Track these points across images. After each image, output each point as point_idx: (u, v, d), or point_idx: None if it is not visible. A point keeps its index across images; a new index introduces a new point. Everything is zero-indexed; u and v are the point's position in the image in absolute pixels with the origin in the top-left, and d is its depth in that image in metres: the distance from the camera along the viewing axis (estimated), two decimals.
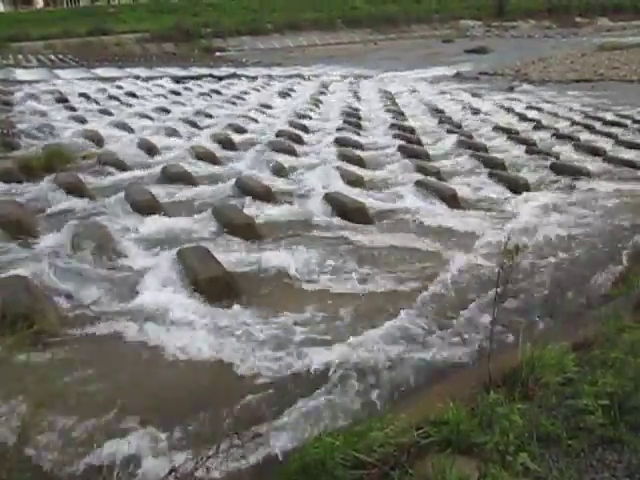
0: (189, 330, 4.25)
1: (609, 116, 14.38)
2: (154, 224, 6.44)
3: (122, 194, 7.29)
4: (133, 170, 8.92)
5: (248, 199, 7.26)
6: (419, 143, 11.22)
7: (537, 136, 11.92)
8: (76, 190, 7.52)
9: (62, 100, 15.80)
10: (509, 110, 15.45)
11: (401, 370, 3.79)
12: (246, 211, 6.73)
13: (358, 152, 10.21)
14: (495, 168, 9.01)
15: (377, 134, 12.38)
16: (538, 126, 13.11)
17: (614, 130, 12.38)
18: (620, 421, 2.75)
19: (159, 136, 11.32)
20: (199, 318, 4.41)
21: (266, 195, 7.49)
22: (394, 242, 6.17)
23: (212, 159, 9.65)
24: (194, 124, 12.88)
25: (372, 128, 13.12)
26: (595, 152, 10.33)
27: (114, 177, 8.55)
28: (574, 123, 13.44)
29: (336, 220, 6.71)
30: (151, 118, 13.52)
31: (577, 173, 8.87)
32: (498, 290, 3.16)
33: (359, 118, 14.33)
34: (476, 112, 15.10)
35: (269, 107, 15.95)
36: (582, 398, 2.88)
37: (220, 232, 6.18)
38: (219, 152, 10.22)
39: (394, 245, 6.11)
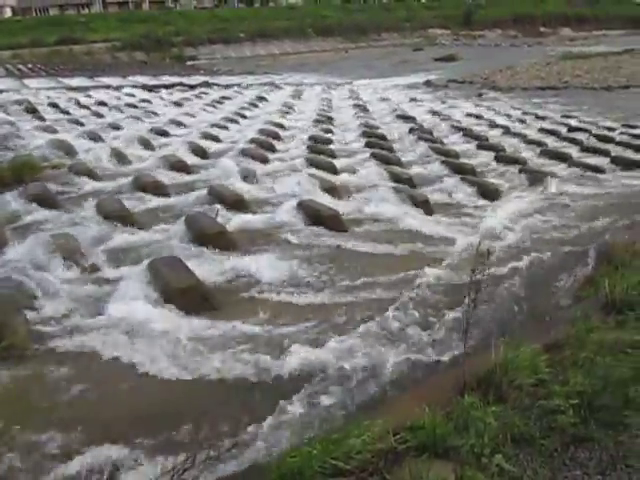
0: (162, 343, 4.18)
1: (574, 122, 14.73)
2: (125, 235, 6.35)
3: (93, 205, 7.18)
4: (104, 180, 8.80)
5: (221, 208, 7.22)
6: (391, 150, 11.32)
7: (506, 142, 12.15)
8: (46, 201, 7.39)
9: (31, 110, 15.52)
10: (478, 117, 15.71)
11: (377, 376, 3.80)
12: (219, 220, 6.69)
13: (331, 159, 10.25)
14: (466, 174, 9.14)
15: (350, 141, 12.46)
16: (507, 132, 13.36)
17: (579, 136, 12.68)
18: (590, 419, 2.80)
19: (130, 146, 11.19)
20: (172, 330, 4.35)
21: (239, 203, 7.46)
22: (369, 249, 6.20)
23: (184, 168, 9.58)
24: (166, 133, 12.78)
25: (345, 135, 13.18)
26: (562, 157, 10.57)
27: (85, 187, 8.42)
28: (541, 130, 13.72)
29: (310, 228, 6.72)
30: (122, 128, 13.37)
31: (545, 178, 9.04)
32: (470, 294, 3.19)
33: (332, 125, 14.39)
34: (446, 119, 15.31)
35: (242, 116, 15.91)
36: (554, 398, 2.93)
37: (193, 242, 6.13)
38: (191, 161, 10.15)
39: (369, 252, 6.14)
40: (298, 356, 4.00)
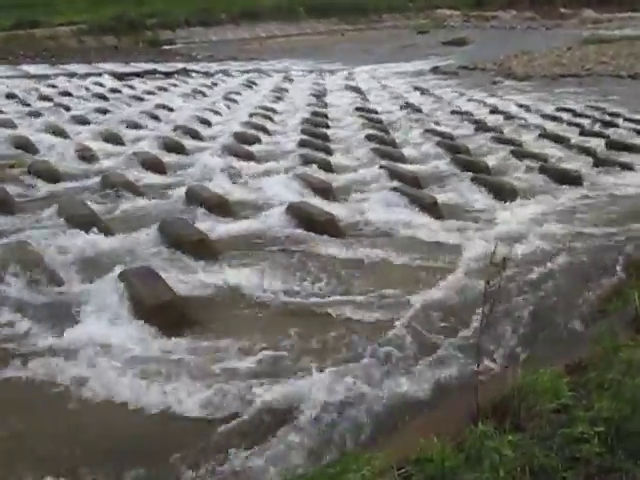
0: (134, 367, 4.17)
1: (599, 114, 14.84)
2: (93, 242, 6.32)
3: (56, 209, 7.17)
4: (68, 181, 8.79)
5: (200, 212, 7.21)
6: (394, 145, 11.37)
7: (524, 136, 12.22)
8: (2, 205, 7.37)
9: None
10: (492, 108, 15.82)
11: (378, 403, 3.80)
12: (198, 226, 6.68)
13: (325, 156, 10.29)
14: (479, 172, 9.19)
15: (346, 135, 12.51)
16: (524, 125, 13.46)
17: (606, 130, 12.77)
18: (618, 448, 2.81)
19: (98, 141, 11.19)
20: (146, 352, 4.34)
21: (221, 207, 7.46)
22: (369, 258, 6.20)
23: (159, 166, 9.58)
24: (138, 127, 12.79)
25: (341, 128, 13.24)
26: (587, 153, 10.64)
27: (46, 189, 8.41)
28: (563, 122, 13.83)
29: (302, 234, 6.72)
30: (89, 121, 13.37)
31: (568, 177, 9.10)
32: (484, 310, 3.21)
33: (326, 117, 14.47)
34: (456, 110, 15.40)
35: (226, 106, 15.96)
36: (578, 425, 2.93)
37: (169, 250, 6.12)
38: (167, 158, 10.16)
39: (369, 261, 6.14)
40: (289, 380, 3.99)
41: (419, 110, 15.54)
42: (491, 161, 10.18)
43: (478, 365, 3.29)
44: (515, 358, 4.15)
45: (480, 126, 13.16)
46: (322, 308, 5.14)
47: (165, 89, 19.21)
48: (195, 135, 12.23)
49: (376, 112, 15.26)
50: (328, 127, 13.33)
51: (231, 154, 10.19)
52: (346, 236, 6.82)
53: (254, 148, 10.92)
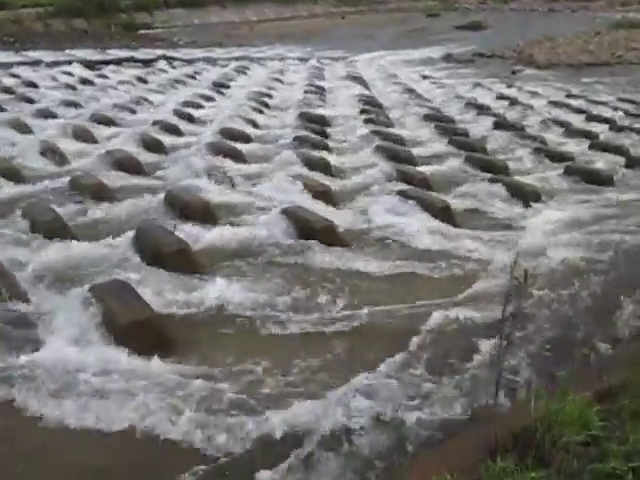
0: (104, 394, 4.16)
1: (631, 107, 14.92)
2: (60, 252, 6.31)
3: (18, 214, 7.17)
4: (33, 183, 8.77)
5: (182, 219, 7.21)
6: (401, 143, 11.40)
7: (547, 132, 12.28)
8: None
9: None
10: (511, 100, 15.89)
11: (385, 436, 3.79)
12: (179, 234, 6.68)
13: (324, 155, 10.31)
14: (497, 173, 9.22)
15: (347, 130, 12.54)
16: (547, 120, 13.50)
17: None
18: None
19: (67, 138, 11.18)
20: (119, 378, 4.32)
21: (205, 213, 7.46)
22: (374, 271, 6.21)
23: (135, 167, 9.58)
24: (112, 123, 12.79)
25: (341, 124, 13.27)
26: (618, 152, 10.67)
27: (8, 192, 8.40)
28: (591, 117, 13.89)
29: (297, 243, 6.73)
30: (56, 116, 13.37)
31: (597, 178, 9.13)
32: (504, 329, 3.22)
33: (324, 110, 14.50)
34: (471, 103, 15.45)
35: (210, 98, 16.00)
36: (609, 460, 2.93)
37: (145, 262, 6.11)
38: (144, 157, 10.15)
39: (374, 275, 6.14)
40: (281, 411, 3.98)
41: (429, 102, 15.60)
42: (511, 160, 10.22)
43: (497, 391, 3.30)
44: (538, 383, 4.14)
45: (498, 121, 13.21)
46: (319, 327, 5.13)
47: (142, 79, 19.23)
48: (176, 131, 12.24)
49: (380, 106, 15.29)
50: (327, 123, 13.36)
51: (217, 153, 10.18)
52: (347, 246, 6.82)
53: (243, 146, 10.93)
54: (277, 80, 19.83)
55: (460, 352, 4.73)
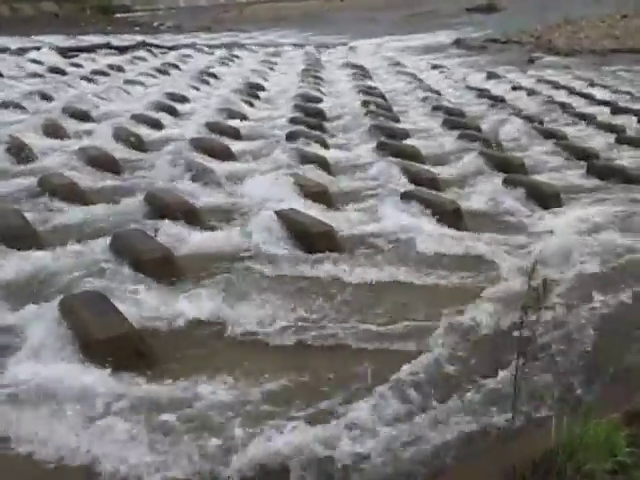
0: (77, 417, 4.14)
1: None
2: (27, 261, 6.32)
3: None
4: None
5: (163, 222, 7.21)
6: (405, 138, 11.42)
7: (569, 126, 12.31)
8: None
9: None
10: (529, 91, 15.94)
11: (387, 465, 3.78)
12: (160, 239, 6.68)
13: (321, 152, 10.33)
14: (513, 172, 9.23)
15: (347, 124, 12.56)
16: (569, 112, 13.56)
17: None
18: None
19: (35, 134, 11.19)
20: (94, 399, 4.31)
21: (189, 216, 7.46)
22: (374, 279, 6.21)
23: (112, 165, 9.59)
24: (86, 116, 12.80)
25: (340, 117, 13.29)
26: None
27: None
28: (617, 110, 13.93)
29: (291, 249, 6.73)
30: (23, 108, 13.37)
31: (623, 177, 9.15)
32: (521, 344, 3.21)
33: (321, 103, 14.54)
34: (486, 95, 15.51)
35: (194, 90, 16.03)
36: None
37: (123, 270, 6.10)
38: (122, 155, 10.17)
39: (374, 284, 6.14)
40: (270, 438, 3.96)
41: (438, 94, 15.64)
42: (528, 157, 10.23)
43: (514, 413, 3.29)
44: (560, 404, 4.13)
45: (514, 114, 13.24)
46: (316, 342, 5.12)
47: (120, 68, 19.29)
48: (157, 126, 12.28)
49: (384, 98, 15.34)
50: (324, 117, 13.38)
51: (202, 149, 10.21)
52: (347, 252, 6.83)
53: (231, 142, 10.95)
54: (270, 69, 19.89)
55: (472, 370, 4.72)
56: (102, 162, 9.62)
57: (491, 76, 18.62)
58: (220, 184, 8.88)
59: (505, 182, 8.74)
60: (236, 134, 11.70)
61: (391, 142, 10.92)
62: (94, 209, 7.90)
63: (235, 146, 10.80)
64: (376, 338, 5.20)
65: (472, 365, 4.80)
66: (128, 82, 16.99)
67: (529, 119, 12.81)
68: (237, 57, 22.50)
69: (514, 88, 16.64)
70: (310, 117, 13.02)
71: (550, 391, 4.39)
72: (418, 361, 4.78)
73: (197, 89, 16.19)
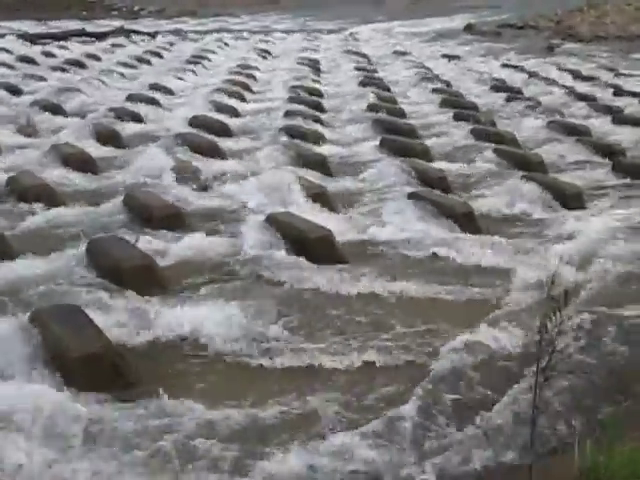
0: (49, 443, 4.13)
1: None
2: None
3: None
4: None
5: (144, 228, 7.20)
6: (413, 135, 11.43)
7: (592, 120, 12.33)
8: None
9: None
10: (548, 82, 15.97)
11: None
12: (141, 247, 6.67)
13: (317, 150, 10.34)
14: (531, 170, 9.23)
15: (348, 118, 12.58)
16: (593, 105, 13.57)
17: None
18: None
19: (3, 130, 11.19)
20: (69, 423, 4.27)
21: (173, 221, 7.47)
22: (378, 290, 6.20)
23: (88, 164, 9.58)
24: (59, 110, 12.78)
25: (339, 110, 13.30)
26: None
27: None
28: None
29: (287, 257, 6.71)
30: None
31: None
32: (539, 363, 3.22)
33: (319, 96, 14.55)
34: (500, 87, 15.53)
35: (178, 80, 16.03)
36: None
37: (100, 281, 6.10)
38: (99, 152, 10.16)
39: (379, 295, 6.14)
40: (263, 464, 3.96)
41: (448, 85, 15.67)
42: (548, 154, 10.24)
43: (533, 438, 3.29)
44: (582, 428, 4.13)
45: (532, 107, 13.28)
46: (314, 362, 5.12)
47: (96, 57, 19.27)
48: (137, 120, 12.26)
49: (388, 90, 15.38)
50: (322, 110, 13.41)
51: (188, 146, 10.19)
52: (348, 261, 6.83)
53: (219, 139, 10.94)
54: (262, 58, 19.90)
55: (487, 390, 4.72)
56: (77, 161, 9.61)
57: (506, 65, 18.65)
58: (207, 185, 8.88)
59: (522, 181, 8.75)
60: (225, 130, 11.68)
61: (396, 138, 10.91)
62: (68, 213, 7.88)
63: (224, 143, 10.79)
64: (381, 356, 5.20)
65: (484, 383, 4.79)
66: (105, 72, 16.98)
67: (549, 112, 12.81)
68: (226, 45, 22.52)
69: (531, 78, 16.66)
70: (306, 109, 13.02)
71: (571, 414, 4.39)
72: (426, 383, 4.78)
73: (182, 80, 16.19)
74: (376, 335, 5.48)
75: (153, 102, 13.69)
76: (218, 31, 25.99)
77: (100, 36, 23.78)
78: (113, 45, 21.89)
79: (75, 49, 20.76)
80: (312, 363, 5.14)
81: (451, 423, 4.40)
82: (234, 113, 12.96)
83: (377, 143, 10.76)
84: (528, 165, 9.53)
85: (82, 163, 9.59)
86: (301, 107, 13.13)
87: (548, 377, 3.33)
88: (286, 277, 6.41)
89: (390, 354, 5.25)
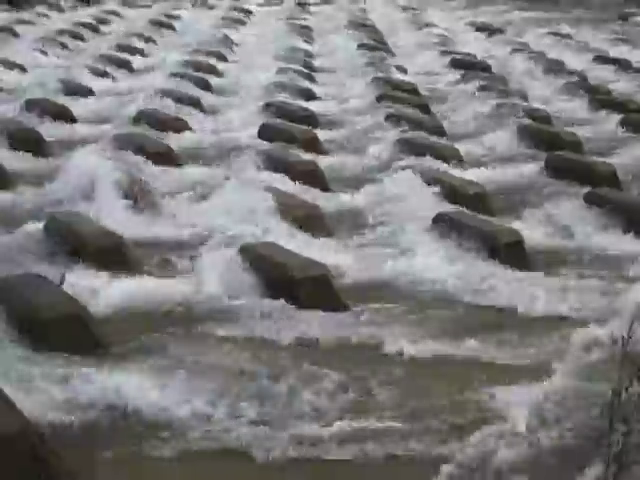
0: None
1: None
2: None
3: None
4: None
5: (73, 263, 7.23)
6: (440, 134, 11.52)
7: None
8: None
9: None
10: (622, 64, 16.11)
11: None
12: (67, 291, 6.63)
13: (311, 156, 10.41)
14: (597, 185, 9.28)
15: (349, 112, 12.71)
16: None
17: None
18: None
19: None
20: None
21: (112, 253, 7.47)
22: (388, 348, 6.17)
23: None
24: None
25: (341, 100, 13.42)
26: None
27: None
28: None
29: (265, 305, 6.72)
30: None
31: None
32: (612, 450, 3.22)
33: (311, 79, 14.72)
34: (556, 69, 15.65)
35: (123, 65, 16.13)
36: None
37: (16, 336, 6.06)
38: (10, 162, 10.13)
39: (387, 355, 6.12)
40: None
41: (486, 70, 15.77)
42: (619, 162, 10.29)
43: None
44: None
45: (599, 99, 13.34)
46: (296, 454, 5.09)
47: (10, 31, 19.44)
48: (63, 117, 12.31)
49: (405, 72, 15.51)
50: (314, 97, 13.53)
51: (132, 150, 10.19)
52: (353, 308, 6.85)
53: (176, 138, 11.01)
54: (235, 27, 20.13)
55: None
56: None
57: (561, 39, 18.75)
58: (159, 204, 8.87)
59: (586, 200, 8.78)
60: (182, 125, 11.70)
61: (417, 139, 10.93)
62: None
63: (183, 144, 10.84)
64: (393, 441, 5.18)
65: (538, 474, 4.79)
66: (23, 51, 17.07)
67: (620, 106, 12.88)
68: (183, 14, 22.77)
69: (596, 58, 16.75)
70: (296, 100, 13.15)
71: None
72: (458, 461, 4.78)
73: (127, 64, 16.28)
74: (381, 408, 5.45)
75: (84, 91, 13.84)
76: None
77: (17, 2, 23.87)
78: (33, 15, 22.13)
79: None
80: (294, 455, 5.09)
81: None
82: (196, 105, 12.98)
83: (392, 142, 10.81)
84: (593, 180, 9.51)
85: None
86: (286, 93, 13.22)
87: (622, 465, 3.34)
88: (263, 333, 6.34)
89: (407, 435, 5.24)
